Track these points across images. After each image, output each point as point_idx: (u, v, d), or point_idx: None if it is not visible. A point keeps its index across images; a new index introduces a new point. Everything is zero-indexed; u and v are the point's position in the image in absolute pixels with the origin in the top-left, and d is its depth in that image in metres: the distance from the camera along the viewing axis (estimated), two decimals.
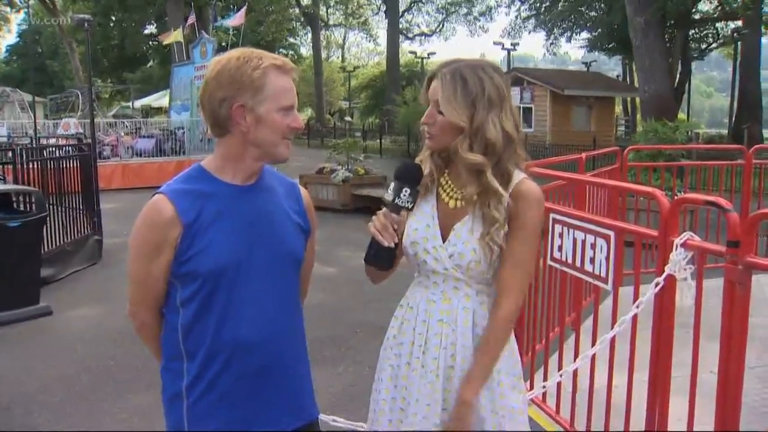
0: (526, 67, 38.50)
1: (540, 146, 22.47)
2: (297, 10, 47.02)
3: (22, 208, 6.74)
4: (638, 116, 26.06)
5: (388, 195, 1.87)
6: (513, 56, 38.97)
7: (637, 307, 2.34)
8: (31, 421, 4.13)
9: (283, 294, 1.91)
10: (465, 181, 1.91)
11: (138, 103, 37.49)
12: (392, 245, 1.85)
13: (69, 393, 4.52)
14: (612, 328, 2.72)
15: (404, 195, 1.86)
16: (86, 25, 10.45)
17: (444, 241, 1.93)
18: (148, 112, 35.01)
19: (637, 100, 26.20)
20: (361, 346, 5.32)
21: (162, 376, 1.92)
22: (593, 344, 2.93)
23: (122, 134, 19.95)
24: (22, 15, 52.54)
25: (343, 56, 66.22)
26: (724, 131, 32.34)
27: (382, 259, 1.88)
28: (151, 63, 44.55)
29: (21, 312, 5.91)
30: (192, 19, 23.98)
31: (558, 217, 3.18)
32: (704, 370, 2.55)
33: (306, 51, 54.51)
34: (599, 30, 32.43)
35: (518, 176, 1.92)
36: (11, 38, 57.71)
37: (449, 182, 1.98)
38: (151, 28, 41.02)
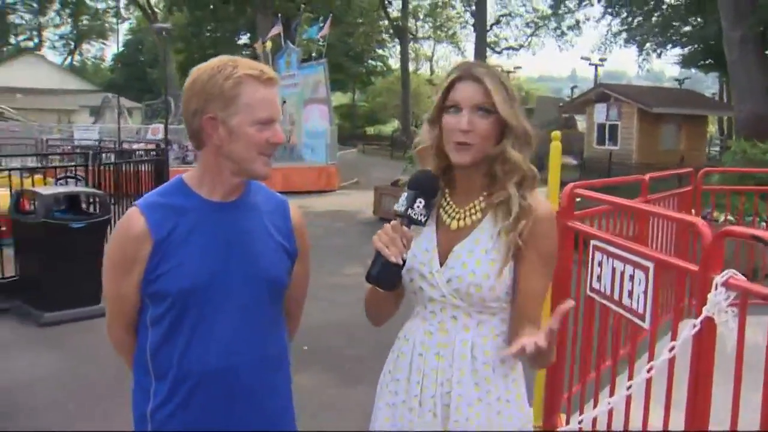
0: (617, 83, 37.30)
1: (625, 164, 21.66)
2: (386, 22, 47.33)
3: (91, 210, 6.94)
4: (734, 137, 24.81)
5: (400, 205, 1.67)
6: (603, 72, 37.93)
7: (670, 351, 2.09)
8: (71, 424, 4.17)
9: (257, 320, 1.79)
10: (477, 192, 1.77)
11: None
12: (400, 262, 1.64)
13: (114, 395, 4.55)
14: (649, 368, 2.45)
15: (418, 207, 1.67)
16: (164, 33, 10.80)
17: (442, 266, 1.75)
18: None
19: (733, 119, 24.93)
20: None
21: (133, 393, 1.84)
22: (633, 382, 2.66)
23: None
24: (126, 25, 55.20)
25: (431, 69, 66.24)
26: None
27: (387, 278, 1.66)
28: None
29: (80, 311, 6.04)
30: (277, 29, 24.45)
31: (598, 243, 2.93)
32: (746, 414, 2.26)
33: (394, 63, 54.79)
34: (694, 45, 31.09)
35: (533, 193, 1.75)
36: (117, 48, 60.49)
37: (450, 203, 1.80)
38: (244, 38, 42.26)
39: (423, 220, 1.68)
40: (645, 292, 2.54)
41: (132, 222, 1.70)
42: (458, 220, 1.77)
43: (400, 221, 1.66)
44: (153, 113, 31.83)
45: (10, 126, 24.01)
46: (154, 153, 9.42)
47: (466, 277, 1.70)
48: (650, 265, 2.53)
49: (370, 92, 52.16)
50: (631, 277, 2.63)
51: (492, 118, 1.70)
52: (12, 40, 60.19)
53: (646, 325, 2.56)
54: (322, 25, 23.95)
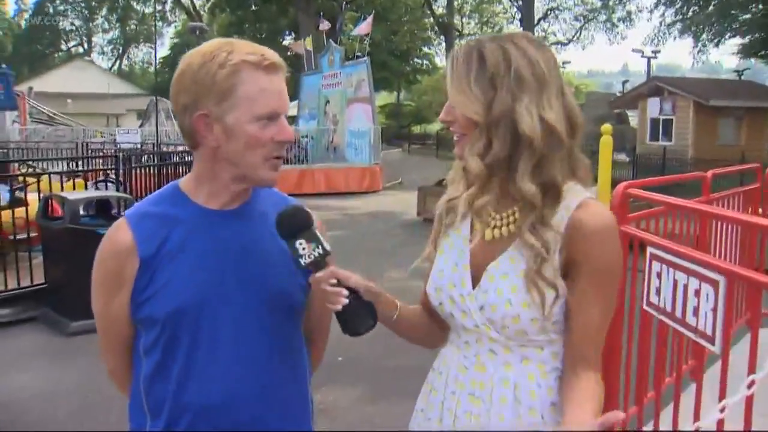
0: (671, 76, 36.16)
1: (681, 160, 20.87)
2: (431, 20, 46.92)
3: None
4: None
5: (295, 261, 1.44)
6: (656, 65, 36.90)
7: (749, 387, 1.73)
8: None
9: (264, 345, 1.53)
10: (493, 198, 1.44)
11: None
12: (339, 308, 1.43)
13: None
14: (720, 399, 2.11)
15: (304, 250, 1.43)
16: (197, 32, 10.73)
17: (474, 287, 1.44)
18: None
19: None
20: None
21: (130, 426, 1.62)
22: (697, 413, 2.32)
23: None
24: (173, 29, 56.15)
25: None
26: None
27: (357, 322, 1.45)
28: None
29: None
30: (324, 26, 24.32)
31: (656, 252, 2.56)
32: None
33: (440, 61, 54.32)
34: (754, 34, 29.86)
35: (576, 193, 1.40)
36: (164, 51, 61.60)
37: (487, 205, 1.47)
38: (289, 39, 42.44)
39: (320, 252, 1.43)
40: (714, 310, 2.17)
41: (117, 235, 1.49)
42: (493, 228, 1.46)
43: (308, 270, 1.45)
44: None
45: (56, 130, 24.51)
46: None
47: (501, 307, 1.39)
48: (720, 278, 2.16)
49: (415, 91, 51.81)
50: (697, 292, 2.26)
51: None
52: (63, 46, 61.83)
53: (715, 348, 2.19)
54: (361, 23, 23.78)
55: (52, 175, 7.94)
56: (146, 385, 1.52)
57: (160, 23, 54.41)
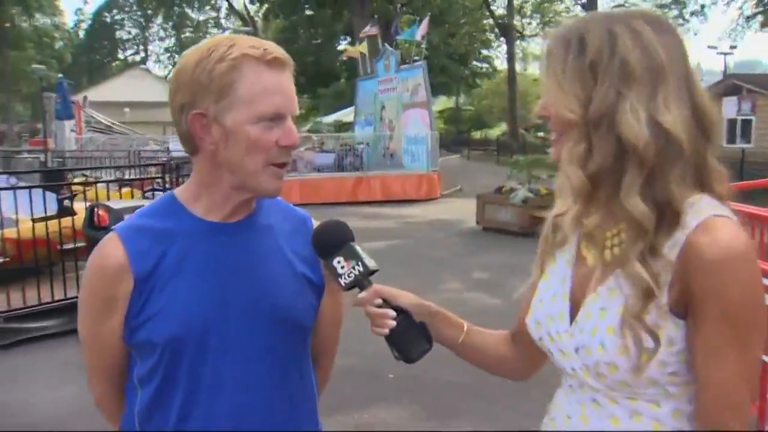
0: (750, 73, 34.86)
1: (761, 164, 20.00)
2: (491, 21, 46.56)
3: None
4: None
5: (336, 281, 1.35)
6: (732, 62, 35.70)
7: None
8: None
9: (271, 371, 1.44)
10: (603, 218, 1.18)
11: (330, 118, 39.18)
12: (386, 332, 1.32)
13: None
14: None
15: (343, 269, 1.33)
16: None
17: (572, 323, 1.21)
18: (340, 127, 36.54)
19: None
20: (516, 397, 4.53)
21: None
22: None
23: (301, 149, 20.54)
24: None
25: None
26: None
27: (408, 347, 1.34)
28: (342, 78, 46.46)
29: None
30: (371, 30, 24.30)
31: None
32: None
33: (500, 63, 53.88)
34: None
35: (698, 210, 1.12)
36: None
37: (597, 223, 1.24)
38: (344, 44, 42.75)
39: (360, 270, 1.33)
40: None
41: (107, 252, 1.38)
42: (597, 250, 1.21)
43: (348, 289, 1.35)
44: None
45: (111, 139, 25.17)
46: None
47: (594, 351, 1.16)
48: None
49: (475, 95, 51.48)
50: None
51: None
52: (120, 55, 63.80)
53: None
54: (417, 26, 23.67)
55: (102, 184, 8.04)
56: (143, 417, 1.43)
57: (214, 30, 55.63)
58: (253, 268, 1.42)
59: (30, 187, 6.65)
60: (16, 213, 6.30)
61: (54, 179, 9.83)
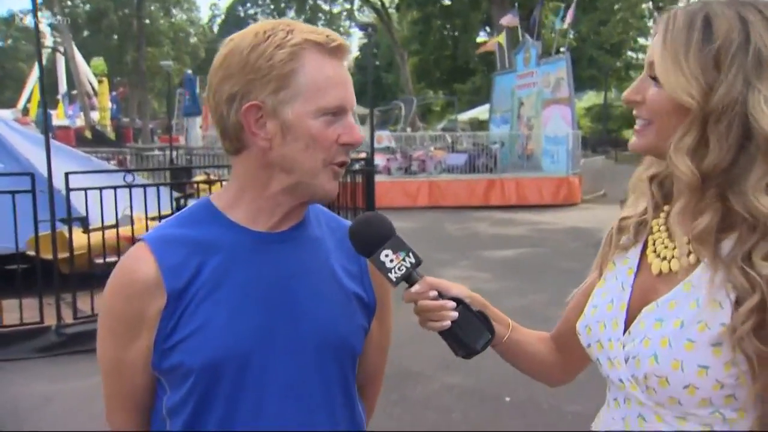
0: None
1: None
2: (649, 4, 44.83)
3: None
4: None
5: (385, 276, 1.32)
6: None
7: None
8: None
9: (317, 401, 1.37)
10: (690, 221, 1.17)
11: (465, 116, 38.99)
12: (448, 324, 1.30)
13: None
14: None
15: (392, 262, 1.29)
16: (369, 29, 11.08)
17: (625, 332, 1.23)
18: (477, 125, 36.32)
19: None
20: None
21: None
22: None
23: (431, 149, 20.61)
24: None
25: None
26: None
27: (472, 336, 1.33)
28: (479, 73, 46.29)
29: None
30: (509, 20, 23.94)
31: None
32: None
33: None
34: None
35: None
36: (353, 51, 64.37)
37: (663, 231, 1.26)
38: (483, 35, 42.53)
39: (411, 262, 1.30)
40: None
41: (137, 265, 1.30)
42: (663, 260, 1.23)
43: (398, 284, 1.32)
44: (383, 120, 33.02)
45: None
46: (363, 162, 9.50)
47: (644, 363, 1.17)
48: None
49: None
50: None
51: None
52: None
53: None
54: (565, 14, 23.16)
55: (221, 182, 8.47)
56: None
57: (347, 22, 57.03)
58: (301, 286, 1.35)
59: (145, 186, 7.08)
60: (131, 211, 6.66)
61: (177, 177, 10.48)
